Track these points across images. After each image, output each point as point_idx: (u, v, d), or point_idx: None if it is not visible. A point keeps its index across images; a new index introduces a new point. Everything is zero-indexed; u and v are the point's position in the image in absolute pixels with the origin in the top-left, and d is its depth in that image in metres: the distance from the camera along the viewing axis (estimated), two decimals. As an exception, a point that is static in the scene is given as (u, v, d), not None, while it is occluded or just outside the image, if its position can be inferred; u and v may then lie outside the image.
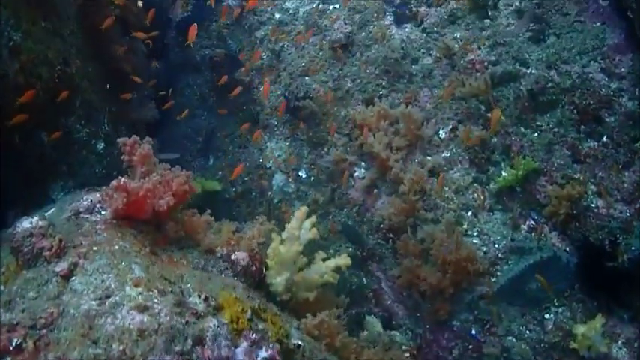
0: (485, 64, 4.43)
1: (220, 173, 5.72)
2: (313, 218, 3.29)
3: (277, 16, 5.76)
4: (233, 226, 3.57)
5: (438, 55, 4.71)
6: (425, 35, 4.86)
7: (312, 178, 4.89)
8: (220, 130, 5.87)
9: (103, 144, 4.83)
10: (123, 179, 2.64)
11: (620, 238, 3.59)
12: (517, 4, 4.46)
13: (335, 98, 5.00)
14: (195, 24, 4.81)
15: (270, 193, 5.16)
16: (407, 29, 5.03)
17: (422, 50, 4.81)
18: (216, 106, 6.03)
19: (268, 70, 5.62)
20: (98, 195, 2.92)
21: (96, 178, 4.67)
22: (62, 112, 4.32)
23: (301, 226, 3.06)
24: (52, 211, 3.26)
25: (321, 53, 5.26)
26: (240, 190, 5.43)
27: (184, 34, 6.45)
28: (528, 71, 4.23)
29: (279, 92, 5.40)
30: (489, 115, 4.18)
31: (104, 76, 4.92)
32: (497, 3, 4.57)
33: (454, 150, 4.33)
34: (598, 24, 4.12)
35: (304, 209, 3.15)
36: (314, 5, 5.58)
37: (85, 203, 2.90)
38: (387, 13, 5.16)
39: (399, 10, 5.10)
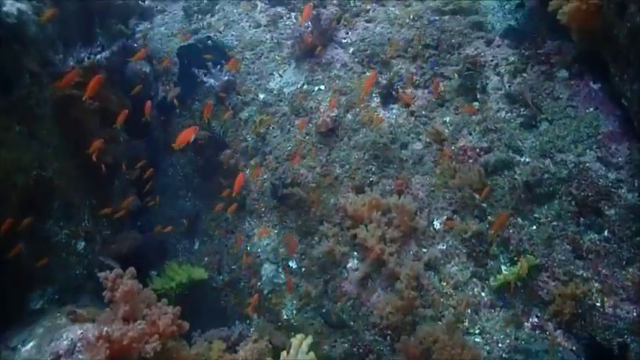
0: (478, 150, 4.33)
1: (207, 259, 5.51)
2: (309, 339, 3.10)
3: (261, 96, 5.68)
4: (223, 344, 3.35)
5: (428, 139, 4.62)
6: (413, 119, 4.78)
7: (303, 269, 4.70)
8: (206, 213, 5.68)
9: (83, 242, 4.63)
10: (105, 329, 2.43)
11: (629, 340, 3.43)
12: (507, 87, 4.40)
13: (323, 185, 4.85)
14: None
15: (259, 283, 4.95)
16: (394, 111, 4.96)
17: (411, 135, 4.73)
18: (201, 188, 5.87)
19: (253, 153, 5.49)
20: (79, 332, 2.70)
21: (77, 281, 4.45)
22: (40, 217, 4.13)
23: (298, 354, 2.86)
24: (30, 346, 3.02)
25: (307, 137, 5.15)
26: (227, 279, 5.22)
27: (167, 112, 6.38)
28: (522, 159, 4.15)
29: (265, 176, 5.25)
30: (485, 204, 4.08)
31: (84, 170, 4.74)
32: (486, 86, 4.51)
33: (450, 242, 4.20)
34: (591, 109, 4.08)
35: (301, 337, 2.96)
36: (298, 86, 5.51)
37: (65, 343, 2.69)
38: (374, 95, 5.08)
39: (385, 91, 5.02)
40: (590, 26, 3.67)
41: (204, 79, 5.71)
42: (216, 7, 6.99)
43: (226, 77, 5.69)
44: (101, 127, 4.84)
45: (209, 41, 5.94)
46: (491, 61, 4.61)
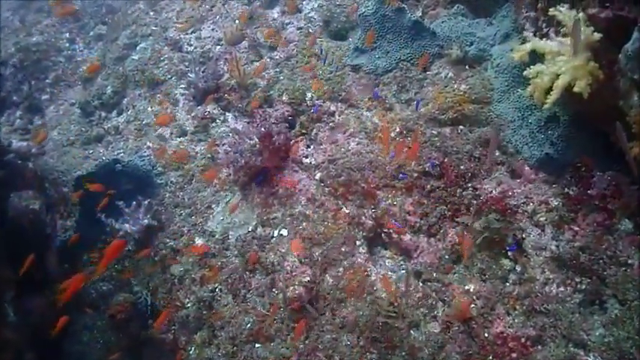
0: (524, 341, 3.09)
1: None
2: None
3: (199, 242, 4.18)
4: None
5: (446, 318, 3.33)
6: (421, 284, 3.48)
7: None
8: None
9: None
10: None
11: None
12: (554, 247, 3.18)
13: (305, 385, 3.46)
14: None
15: None
16: (390, 267, 3.64)
17: (421, 309, 3.43)
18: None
19: (196, 325, 4.00)
20: None
21: None
22: None
23: None
24: None
25: (272, 309, 3.73)
26: None
27: (71, 259, 4.76)
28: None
29: (218, 364, 3.80)
30: None
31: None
32: (522, 243, 3.28)
33: None
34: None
35: None
36: (249, 229, 4.08)
37: None
38: (358, 242, 3.74)
39: (371, 234, 3.71)
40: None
41: (116, 225, 4.15)
42: (124, 102, 5.40)
43: (147, 221, 4.15)
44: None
45: (117, 165, 4.38)
46: (525, 204, 3.39)
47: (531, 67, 3.16)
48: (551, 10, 2.99)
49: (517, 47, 3.11)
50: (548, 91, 3.06)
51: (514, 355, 3.18)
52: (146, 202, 4.36)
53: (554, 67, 3.01)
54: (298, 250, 3.78)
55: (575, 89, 2.83)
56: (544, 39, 3.21)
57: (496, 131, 3.13)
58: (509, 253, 3.41)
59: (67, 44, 7.02)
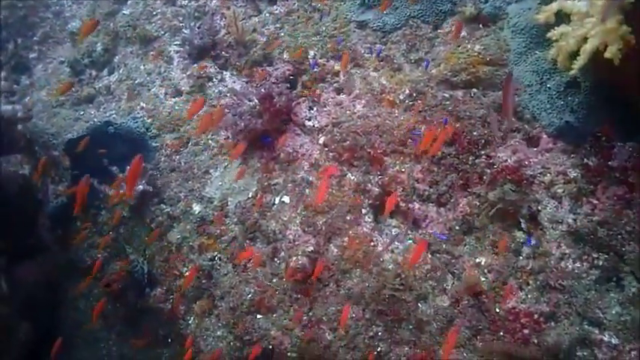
0: (537, 317, 2.96)
1: None
2: None
3: (196, 209, 4.01)
4: None
5: (455, 291, 3.20)
6: (430, 256, 3.32)
7: None
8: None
9: None
10: None
11: None
12: (571, 221, 3.01)
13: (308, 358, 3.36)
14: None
15: None
16: (396, 235, 3.47)
17: (430, 282, 3.29)
18: (126, 333, 4.23)
19: (196, 294, 3.87)
20: None
21: None
22: None
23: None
24: None
25: (275, 280, 3.59)
26: None
27: (64, 225, 4.57)
28: (605, 338, 2.82)
29: (218, 334, 3.69)
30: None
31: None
32: (537, 215, 3.12)
33: None
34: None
35: None
36: (249, 195, 3.88)
37: None
38: (363, 210, 3.57)
39: (377, 202, 3.55)
40: None
41: (110, 192, 3.94)
42: (115, 60, 5.11)
43: (141, 187, 3.95)
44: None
45: (109, 128, 4.14)
46: (541, 174, 3.19)
47: (555, 28, 2.91)
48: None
49: (542, 8, 2.84)
50: (574, 55, 2.83)
51: (526, 331, 3.06)
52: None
53: (581, 29, 2.76)
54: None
55: (606, 55, 2.59)
56: None
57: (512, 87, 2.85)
58: (523, 225, 3.25)
59: (55, -1, 6.64)
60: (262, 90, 3.80)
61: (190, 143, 4.34)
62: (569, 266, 3.05)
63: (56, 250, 4.61)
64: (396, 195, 3.46)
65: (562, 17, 2.91)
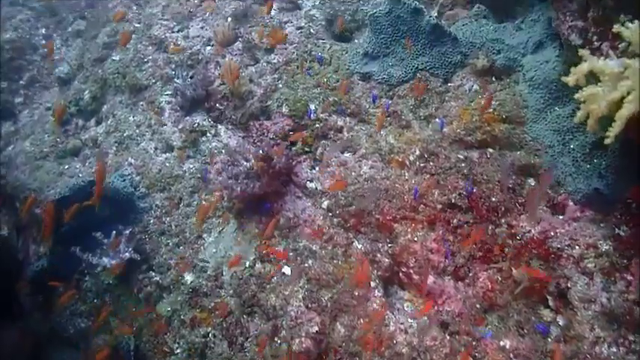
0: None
1: None
2: None
3: (188, 278, 3.67)
4: None
5: (478, 378, 2.85)
6: (448, 337, 2.98)
7: None
8: None
9: None
10: None
11: None
12: (604, 300, 2.69)
13: None
14: None
15: None
16: (408, 310, 3.14)
17: (450, 369, 2.93)
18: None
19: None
20: None
21: None
22: None
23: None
24: None
25: (275, 362, 3.24)
26: None
27: (44, 289, 4.22)
28: None
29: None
30: None
31: None
32: (567, 292, 2.80)
33: None
34: None
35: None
36: (246, 264, 3.56)
37: None
38: (373, 284, 3.24)
39: (388, 274, 3.24)
40: None
41: (93, 260, 3.60)
42: (103, 109, 4.81)
43: (128, 254, 3.60)
44: None
45: (94, 188, 3.80)
46: (570, 247, 2.87)
47: (584, 88, 2.63)
48: (615, 27, 2.45)
49: (572, 70, 2.57)
50: (606, 119, 2.55)
51: None
52: (127, 231, 3.81)
53: (615, 92, 2.49)
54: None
55: (645, 120, 2.31)
56: (600, 57, 2.68)
57: (548, 174, 2.61)
58: (551, 304, 2.92)
59: (44, 41, 6.37)
60: (260, 151, 3.50)
61: (182, 204, 4.02)
62: (605, 351, 2.72)
63: (38, 318, 4.25)
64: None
65: (588, 76, 2.65)
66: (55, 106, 5.15)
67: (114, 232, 3.78)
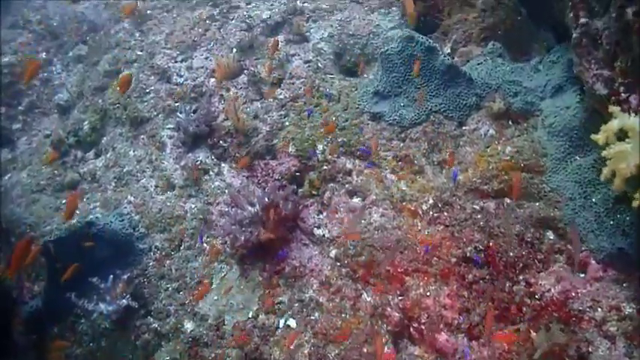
0: None
1: None
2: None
3: (188, 326, 3.49)
4: None
5: None
6: (462, 402, 2.81)
7: None
8: None
9: None
10: None
11: None
12: (630, 369, 2.53)
13: None
14: None
15: None
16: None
17: None
18: None
19: None
20: None
21: None
22: None
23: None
24: None
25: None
26: None
27: (39, 329, 4.06)
28: None
29: None
30: None
31: None
32: (588, 357, 2.64)
33: None
34: None
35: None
36: (250, 315, 3.43)
37: None
38: (383, 340, 3.07)
39: (398, 329, 3.07)
40: None
41: (89, 307, 3.44)
42: (103, 141, 4.67)
43: (125, 301, 3.44)
44: None
45: (92, 229, 3.67)
46: (591, 309, 2.72)
47: (611, 145, 2.49)
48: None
49: (603, 127, 2.43)
50: (635, 178, 2.41)
51: None
52: (125, 276, 3.65)
53: (645, 152, 2.35)
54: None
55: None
56: (628, 110, 2.56)
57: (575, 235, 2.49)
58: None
59: (44, 65, 6.24)
60: (266, 199, 3.35)
61: (183, 247, 3.86)
62: None
63: (32, 357, 4.09)
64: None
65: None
66: (52, 143, 5.01)
67: (111, 276, 3.62)
